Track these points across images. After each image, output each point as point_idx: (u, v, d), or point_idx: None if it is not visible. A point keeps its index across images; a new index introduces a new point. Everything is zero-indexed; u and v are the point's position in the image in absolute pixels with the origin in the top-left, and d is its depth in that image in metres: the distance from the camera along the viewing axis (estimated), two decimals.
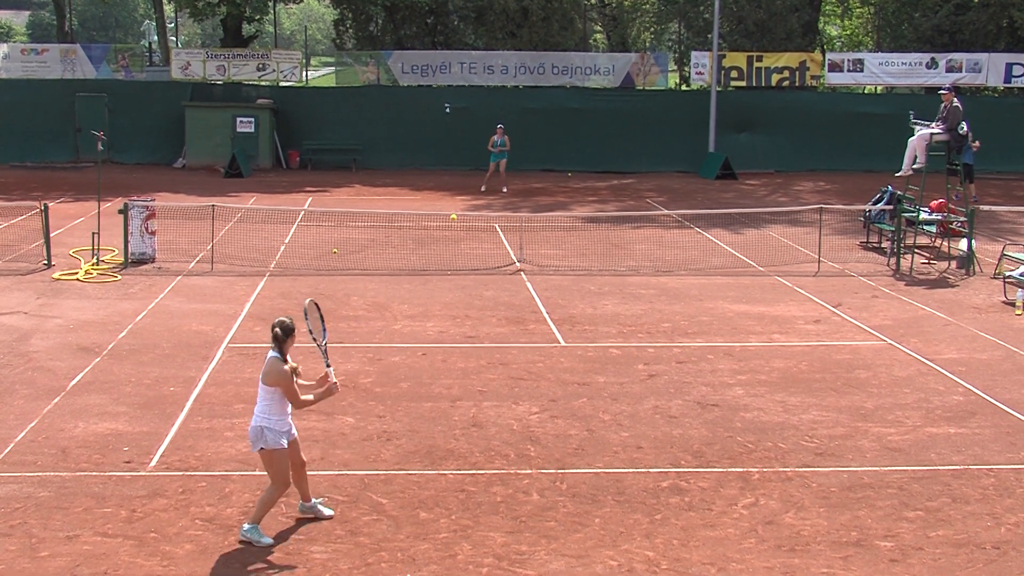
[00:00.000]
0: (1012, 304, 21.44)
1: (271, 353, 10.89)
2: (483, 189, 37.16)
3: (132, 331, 18.61)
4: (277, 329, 10.87)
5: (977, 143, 28.15)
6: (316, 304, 11.68)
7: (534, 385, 16.08)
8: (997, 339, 18.99)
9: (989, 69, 45.23)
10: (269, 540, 10.73)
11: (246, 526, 10.82)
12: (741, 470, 12.99)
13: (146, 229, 24.12)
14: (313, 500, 11.42)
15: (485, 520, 11.49)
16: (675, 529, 11.34)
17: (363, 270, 24.03)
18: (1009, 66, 45.24)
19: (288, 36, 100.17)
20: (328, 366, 11.26)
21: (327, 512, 11.38)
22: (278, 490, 10.95)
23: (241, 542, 10.72)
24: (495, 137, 37.21)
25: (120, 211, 24.08)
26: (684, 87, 49.31)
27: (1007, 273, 22.55)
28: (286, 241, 27.29)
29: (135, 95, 44.35)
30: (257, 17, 48.35)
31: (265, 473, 11.15)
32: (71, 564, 10.29)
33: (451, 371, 16.71)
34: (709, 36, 45.42)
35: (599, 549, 10.86)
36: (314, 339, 11.42)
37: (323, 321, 11.61)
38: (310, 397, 11.13)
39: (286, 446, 10.86)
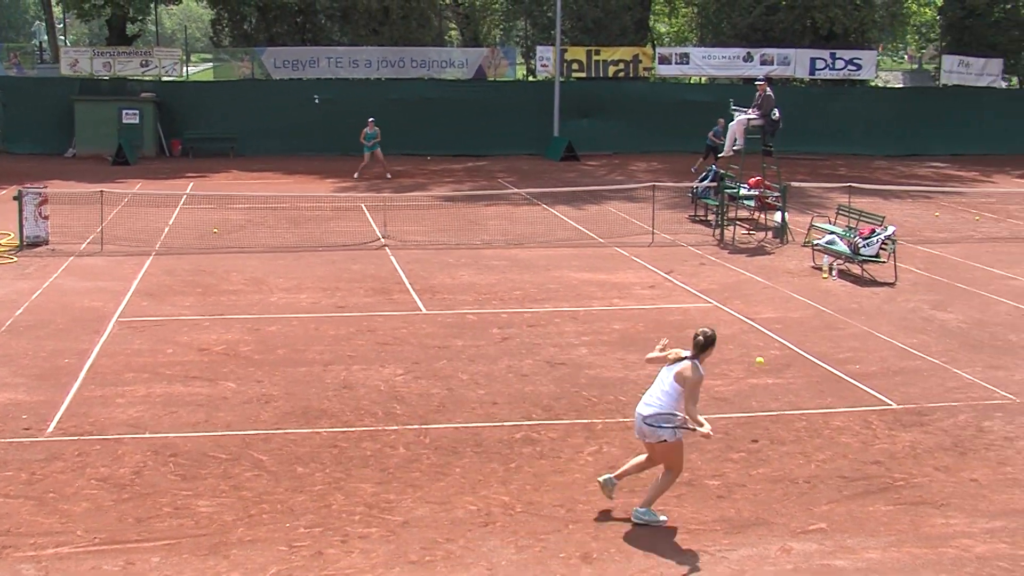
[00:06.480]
0: (819, 269, 21.95)
1: (688, 356, 10.14)
2: (356, 177, 36.41)
3: (28, 308, 18.11)
4: (701, 337, 10.22)
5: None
6: None
7: (399, 349, 16.02)
8: (808, 300, 19.43)
9: (796, 62, 46.14)
10: (665, 518, 10.29)
11: (641, 509, 10.32)
12: (586, 421, 13.11)
13: (40, 214, 23.54)
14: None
15: (356, 472, 11.44)
16: (528, 476, 11.40)
17: (241, 248, 23.67)
18: (813, 60, 46.23)
19: (169, 35, 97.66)
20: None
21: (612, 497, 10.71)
22: (675, 477, 10.43)
23: (636, 524, 10.28)
24: (367, 129, 36.67)
25: (15, 198, 23.55)
26: (531, 78, 49.40)
27: (815, 242, 23.05)
28: (170, 223, 26.74)
29: (27, 90, 42.98)
30: (140, 17, 47.21)
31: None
32: None
33: (323, 338, 16.57)
34: (552, 32, 45.50)
35: (460, 496, 10.88)
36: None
37: None
38: (695, 413, 10.17)
39: (681, 439, 10.32)
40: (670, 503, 10.66)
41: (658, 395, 10.25)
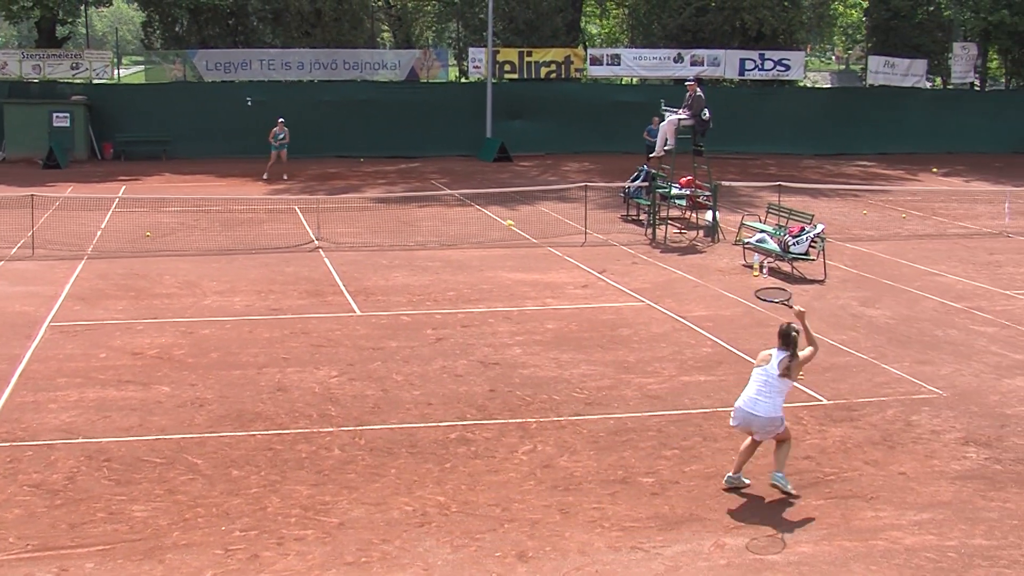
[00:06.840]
0: (750, 267, 22.14)
1: (781, 353, 11.08)
2: (265, 177, 36.10)
3: None
4: (794, 333, 11.09)
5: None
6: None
7: (333, 351, 15.95)
8: (738, 297, 19.59)
9: (726, 63, 46.55)
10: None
11: (779, 474, 11.10)
12: (520, 421, 13.12)
13: None
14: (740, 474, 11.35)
15: (292, 475, 11.37)
16: (463, 476, 11.40)
17: (174, 251, 23.44)
18: (742, 61, 46.65)
19: (100, 37, 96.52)
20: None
21: (747, 481, 11.32)
22: (790, 442, 11.30)
23: (773, 485, 11.13)
24: (275, 130, 36.35)
25: None
26: (463, 79, 49.38)
27: (746, 240, 23.25)
28: (102, 226, 26.41)
29: None
30: (70, 19, 46.50)
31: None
32: None
33: (257, 341, 16.46)
34: (484, 34, 45.52)
35: (395, 496, 10.86)
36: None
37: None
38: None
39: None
40: (603, 500, 10.71)
41: (766, 394, 11.03)
